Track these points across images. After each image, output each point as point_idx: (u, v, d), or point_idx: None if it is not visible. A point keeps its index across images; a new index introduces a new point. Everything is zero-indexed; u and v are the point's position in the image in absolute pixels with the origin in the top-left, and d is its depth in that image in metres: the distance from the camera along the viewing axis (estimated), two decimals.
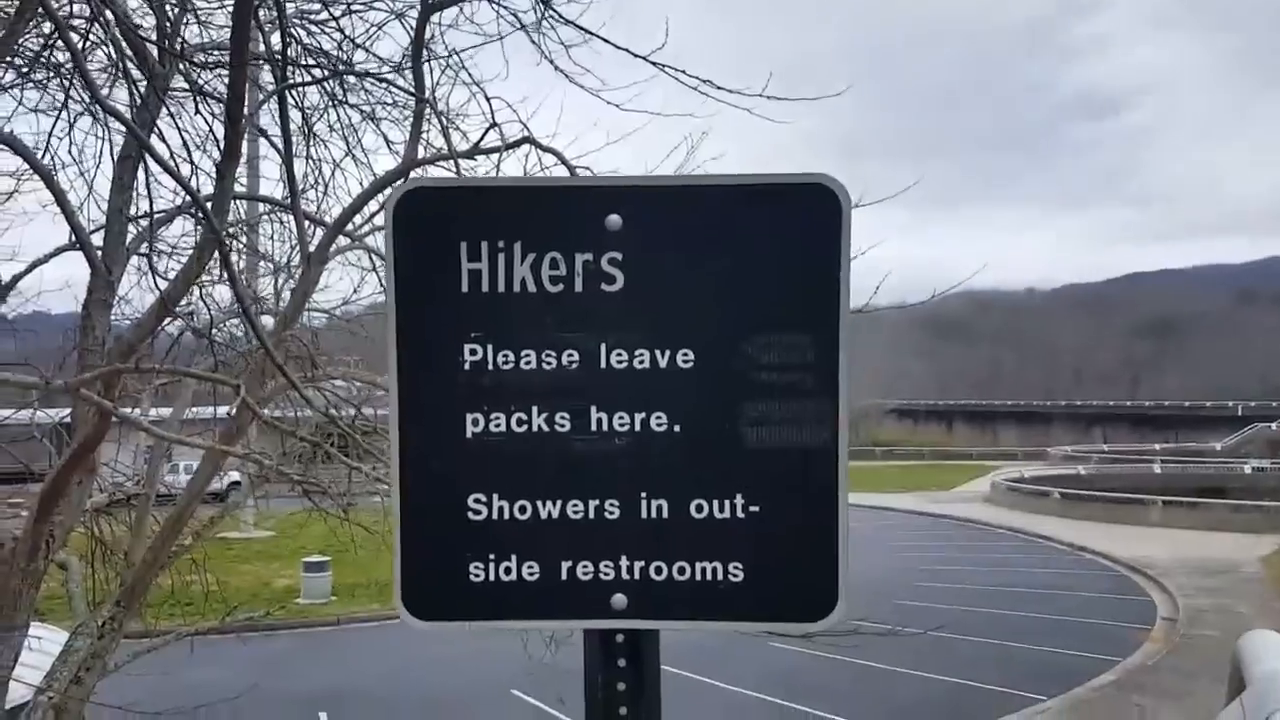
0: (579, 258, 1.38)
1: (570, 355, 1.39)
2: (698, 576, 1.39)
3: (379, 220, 7.32)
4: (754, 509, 1.40)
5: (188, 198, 6.66)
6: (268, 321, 7.19)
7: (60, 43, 5.99)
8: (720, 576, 1.39)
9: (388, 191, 6.70)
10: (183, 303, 7.97)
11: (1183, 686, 17.85)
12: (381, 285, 7.91)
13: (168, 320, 6.46)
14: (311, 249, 6.37)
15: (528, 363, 1.39)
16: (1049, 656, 19.77)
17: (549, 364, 1.39)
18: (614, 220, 1.37)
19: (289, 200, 6.68)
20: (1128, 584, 27.97)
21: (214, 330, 8.05)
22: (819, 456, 1.40)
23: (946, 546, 35.06)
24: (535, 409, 1.39)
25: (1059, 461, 61.35)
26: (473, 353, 1.39)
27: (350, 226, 6.86)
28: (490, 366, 1.39)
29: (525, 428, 1.39)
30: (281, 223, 8.67)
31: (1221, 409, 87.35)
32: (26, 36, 5.78)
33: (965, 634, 21.83)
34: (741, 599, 1.40)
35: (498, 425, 1.39)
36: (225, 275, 6.87)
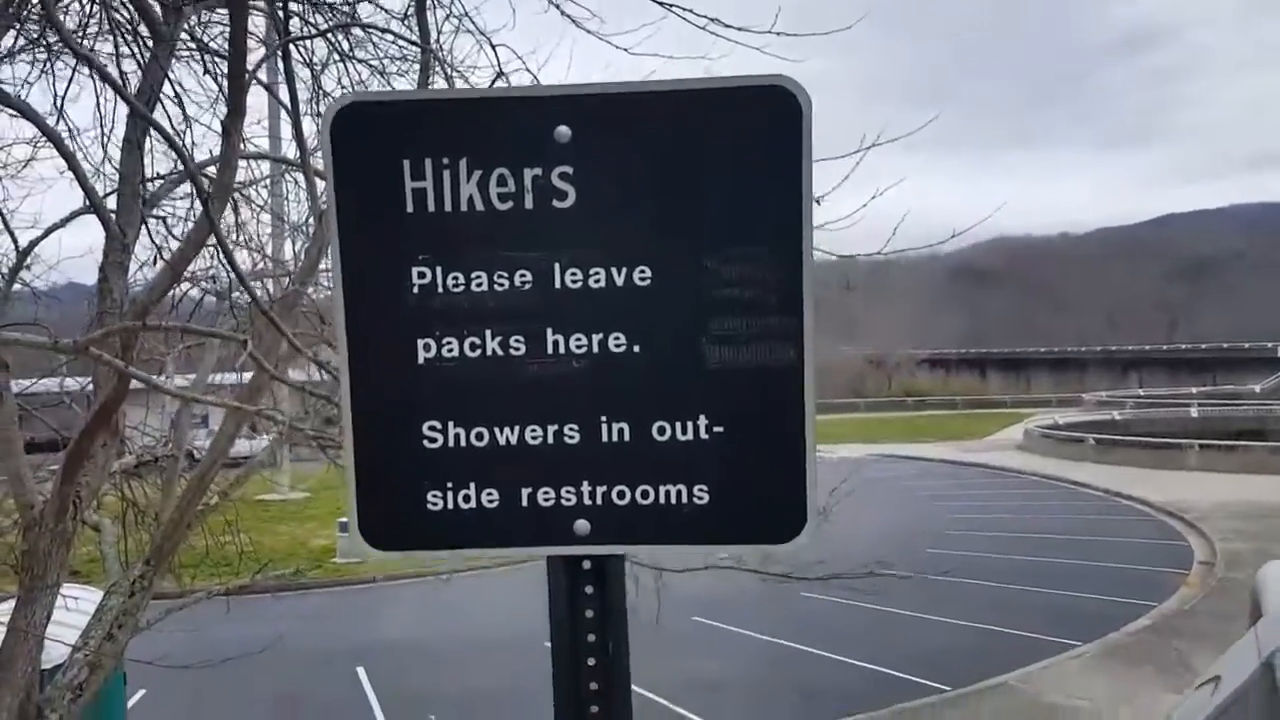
0: (528, 173, 1.32)
1: (523, 275, 1.34)
2: (662, 500, 1.36)
3: None
4: (718, 430, 1.35)
5: (195, 157, 6.66)
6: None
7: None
8: (685, 499, 1.36)
9: None
10: (203, 266, 8.03)
11: (1220, 629, 17.72)
12: None
13: (180, 282, 6.50)
14: (323, 206, 6.37)
15: (479, 285, 1.34)
16: (1083, 602, 19.70)
17: (501, 285, 1.34)
18: (563, 132, 1.32)
19: (300, 157, 6.67)
20: (1164, 529, 27.74)
21: (233, 293, 8.10)
22: (784, 374, 1.35)
23: (979, 494, 34.90)
24: (488, 332, 1.35)
25: (1093, 407, 60.74)
26: (420, 276, 1.34)
27: None
28: (440, 290, 1.34)
29: (479, 352, 1.35)
30: (296, 182, 8.68)
31: (1260, 350, 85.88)
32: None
33: (998, 581, 21.82)
34: (708, 521, 1.36)
35: (450, 350, 1.35)
36: (214, 237, 6.90)
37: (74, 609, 7.19)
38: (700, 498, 1.36)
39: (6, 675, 5.48)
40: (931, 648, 16.99)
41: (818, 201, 4.82)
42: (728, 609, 18.45)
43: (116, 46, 6.28)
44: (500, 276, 1.34)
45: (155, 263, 6.36)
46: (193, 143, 6.59)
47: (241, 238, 8.10)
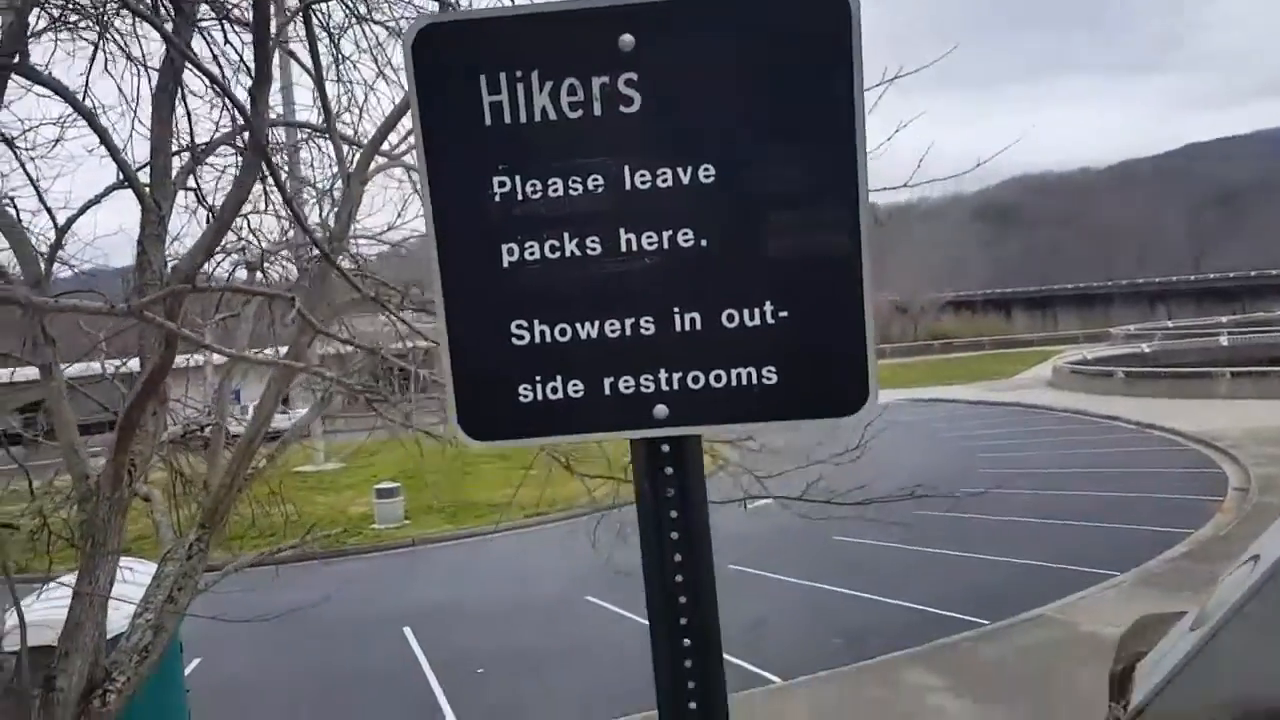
0: (595, 81, 1.42)
1: (595, 180, 1.44)
2: (733, 382, 1.46)
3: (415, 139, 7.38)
4: (783, 314, 1.45)
5: (225, 127, 6.77)
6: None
7: None
8: (755, 380, 1.46)
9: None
10: (233, 240, 8.17)
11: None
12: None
13: (223, 245, 6.63)
14: (350, 169, 6.47)
15: (555, 190, 1.45)
16: (1119, 533, 19.78)
17: (575, 190, 1.44)
18: (627, 40, 1.41)
19: (324, 123, 6.77)
20: (1197, 457, 27.69)
21: (265, 263, 8.26)
22: (842, 261, 1.45)
23: (1010, 433, 34.92)
24: (566, 235, 1.46)
25: (1122, 341, 60.33)
26: (501, 185, 1.45)
27: (387, 146, 6.94)
28: (519, 197, 1.45)
29: (558, 254, 1.46)
30: (319, 148, 8.79)
31: None
32: None
33: (1033, 516, 21.92)
34: (777, 399, 1.47)
35: (532, 253, 1.46)
36: (272, 183, 7.00)
37: (130, 580, 7.43)
38: (769, 378, 1.46)
39: (75, 640, 5.71)
40: (968, 584, 17.18)
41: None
42: (765, 557, 18.69)
43: (135, 23, 6.39)
44: (574, 181, 1.44)
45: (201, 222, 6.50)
46: (221, 112, 6.68)
47: (270, 206, 8.24)
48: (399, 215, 8.15)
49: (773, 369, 1.46)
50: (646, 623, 1.59)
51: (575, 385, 1.48)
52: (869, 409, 1.46)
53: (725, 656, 1.57)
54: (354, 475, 33.20)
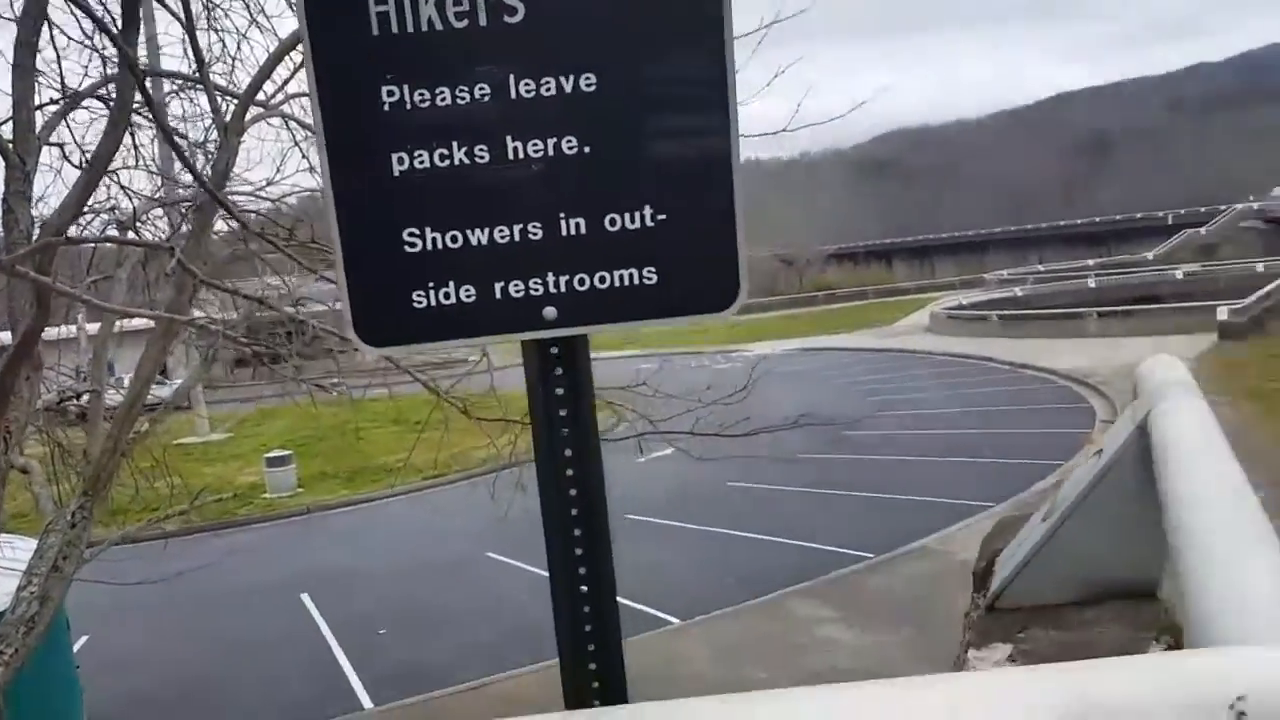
0: None
1: (482, 89, 1.50)
2: (617, 283, 1.55)
3: (292, 88, 7.21)
4: (661, 218, 1.55)
5: (94, 77, 6.51)
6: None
7: None
8: (636, 281, 1.55)
9: (296, 56, 6.60)
10: (104, 199, 7.88)
11: None
12: (304, 158, 7.86)
13: (91, 204, 6.40)
14: (227, 119, 6.30)
15: (443, 100, 1.50)
16: (995, 467, 20.75)
17: (463, 99, 1.50)
18: None
19: (197, 73, 6.55)
20: (1069, 394, 29.14)
21: (138, 222, 7.98)
22: (714, 165, 1.55)
23: (891, 377, 36.10)
24: (455, 143, 1.51)
25: (996, 286, 62.71)
26: (390, 94, 1.49)
27: (263, 96, 6.77)
28: (408, 107, 1.50)
29: (447, 162, 1.51)
30: (191, 100, 8.50)
31: (1152, 219, 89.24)
32: None
33: (916, 455, 22.82)
34: (657, 298, 1.56)
35: (421, 163, 1.51)
36: (142, 139, 6.77)
37: (10, 558, 7.20)
38: (649, 278, 1.56)
39: None
40: (855, 521, 17.84)
41: None
42: (662, 506, 19.04)
43: None
44: (462, 91, 1.50)
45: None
46: (90, 59, 6.42)
47: (141, 161, 7.96)
48: (278, 170, 7.95)
49: (653, 270, 1.55)
50: (547, 574, 1.67)
51: (467, 290, 1.54)
52: (739, 302, 1.57)
53: (624, 601, 1.67)
54: (241, 445, 32.39)
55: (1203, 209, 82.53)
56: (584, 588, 1.61)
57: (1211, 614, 0.88)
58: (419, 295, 1.54)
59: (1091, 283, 53.61)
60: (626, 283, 1.55)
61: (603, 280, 1.55)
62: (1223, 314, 33.76)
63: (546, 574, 1.66)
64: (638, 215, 1.54)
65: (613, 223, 1.54)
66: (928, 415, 27.72)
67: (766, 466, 18.26)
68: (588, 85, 1.51)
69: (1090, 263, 69.42)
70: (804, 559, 15.72)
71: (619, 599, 1.67)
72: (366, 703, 12.23)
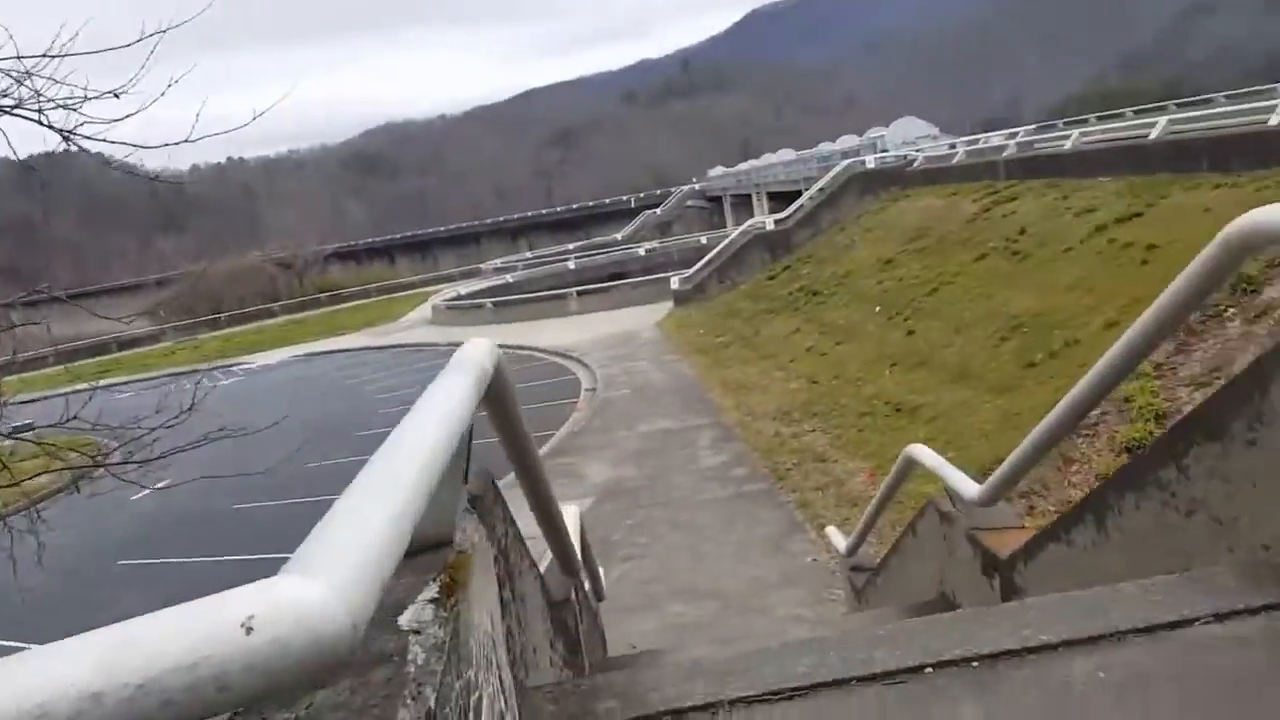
0: None
1: None
2: None
3: None
4: None
5: None
6: None
7: None
8: None
9: None
10: None
11: (603, 439, 21.15)
12: None
13: None
14: None
15: None
16: (494, 446, 22.14)
17: None
18: None
19: None
20: (556, 368, 31.67)
21: None
22: None
23: (399, 373, 36.70)
24: None
25: (491, 275, 65.89)
26: None
27: None
28: None
29: None
30: None
31: (619, 203, 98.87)
32: None
33: None
34: None
35: None
36: None
37: None
38: None
39: None
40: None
41: (115, 95, 5.00)
42: (162, 544, 17.97)
43: None
44: None
45: None
46: None
47: None
48: None
49: None
50: None
51: None
52: None
53: None
54: None
55: (658, 191, 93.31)
56: None
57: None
58: None
59: (572, 264, 58.35)
60: None
61: None
62: (674, 283, 38.74)
63: None
64: None
65: None
66: None
67: (274, 482, 17.95)
68: None
69: (570, 246, 75.48)
70: None
71: None
72: None
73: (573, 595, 4.01)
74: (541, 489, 3.13)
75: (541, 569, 3.84)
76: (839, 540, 8.88)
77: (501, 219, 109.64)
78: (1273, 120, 18.36)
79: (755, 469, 16.47)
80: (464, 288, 60.03)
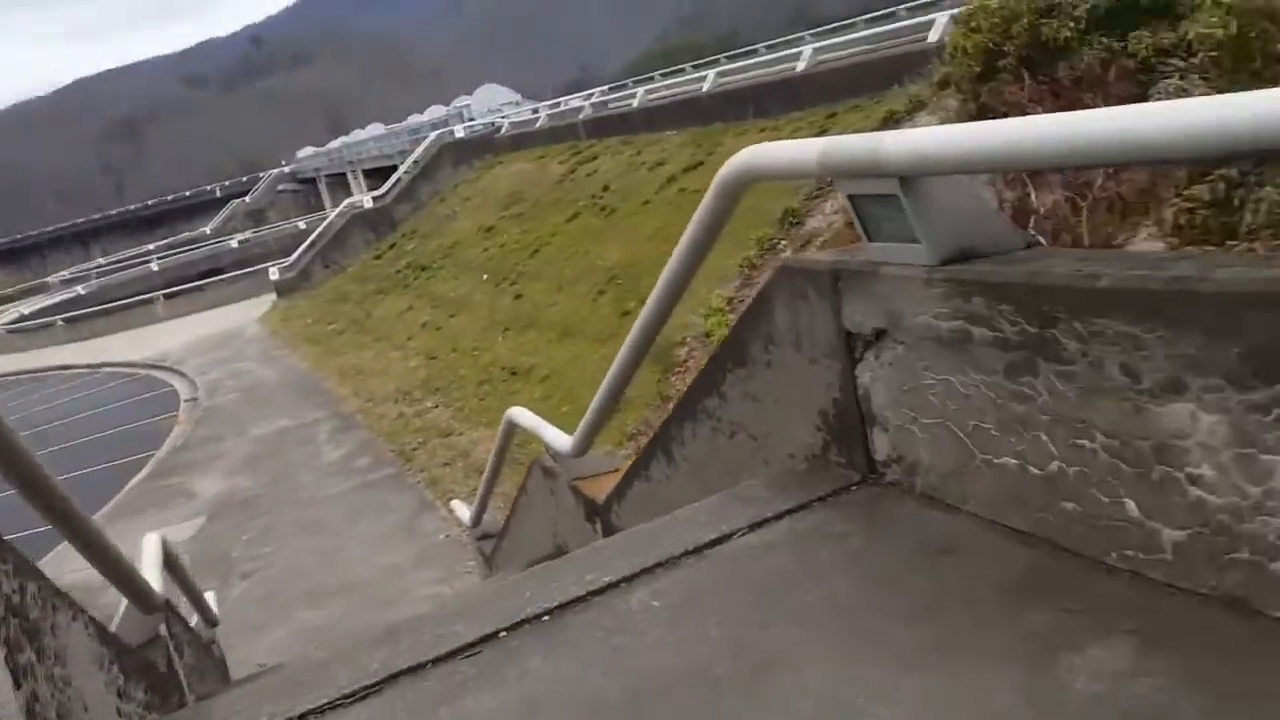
0: None
1: None
2: None
3: None
4: None
5: None
6: None
7: None
8: None
9: None
10: None
11: (212, 450, 19.66)
12: None
13: None
14: None
15: None
16: (87, 478, 19.83)
17: None
18: None
19: None
20: (150, 382, 28.92)
21: None
22: None
23: None
24: None
25: (59, 289, 58.64)
26: None
27: None
28: None
29: None
30: None
31: (203, 194, 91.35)
32: None
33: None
34: None
35: None
36: None
37: None
38: None
39: None
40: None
41: None
42: None
43: None
44: None
45: None
46: None
47: None
48: None
49: None
50: None
51: None
52: None
53: None
54: None
55: (245, 178, 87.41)
56: None
57: None
58: None
59: (155, 266, 53.31)
60: None
61: None
62: (274, 274, 36.61)
63: None
64: None
65: None
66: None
67: None
68: None
69: (152, 246, 68.89)
70: None
71: None
72: None
73: (163, 632, 3.66)
74: (84, 531, 2.81)
75: (121, 613, 3.46)
76: (464, 512, 8.91)
77: (66, 225, 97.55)
78: (799, 67, 20.66)
79: (381, 454, 16.11)
80: (27, 307, 52.96)
